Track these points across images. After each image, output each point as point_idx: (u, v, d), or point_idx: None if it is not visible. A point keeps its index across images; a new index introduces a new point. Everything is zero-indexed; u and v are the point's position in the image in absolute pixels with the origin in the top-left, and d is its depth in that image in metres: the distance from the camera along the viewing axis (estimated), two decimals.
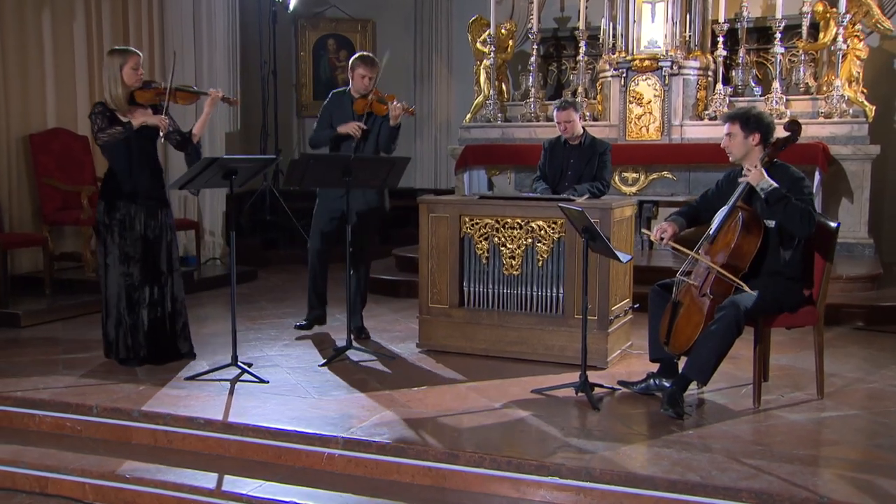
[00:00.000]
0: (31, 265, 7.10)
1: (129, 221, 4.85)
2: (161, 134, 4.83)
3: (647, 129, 8.09)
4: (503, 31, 8.88)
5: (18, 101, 7.04)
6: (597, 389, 4.34)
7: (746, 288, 3.99)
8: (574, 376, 4.43)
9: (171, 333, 5.01)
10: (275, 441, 3.85)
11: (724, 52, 8.05)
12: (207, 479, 3.67)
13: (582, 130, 6.03)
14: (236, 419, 4.00)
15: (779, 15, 7.80)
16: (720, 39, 8.00)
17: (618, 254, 4.17)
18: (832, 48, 7.74)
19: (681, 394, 4.04)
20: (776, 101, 7.80)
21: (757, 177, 4.02)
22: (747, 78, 8.28)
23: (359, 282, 5.66)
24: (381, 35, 10.91)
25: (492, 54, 8.78)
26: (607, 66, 8.30)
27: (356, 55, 5.65)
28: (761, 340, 4.18)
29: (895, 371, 4.84)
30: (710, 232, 4.18)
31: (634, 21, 8.07)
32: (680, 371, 4.17)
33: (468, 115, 9.03)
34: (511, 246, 5.04)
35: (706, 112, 8.07)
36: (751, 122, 4.14)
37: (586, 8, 8.44)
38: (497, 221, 5.06)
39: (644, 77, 8.06)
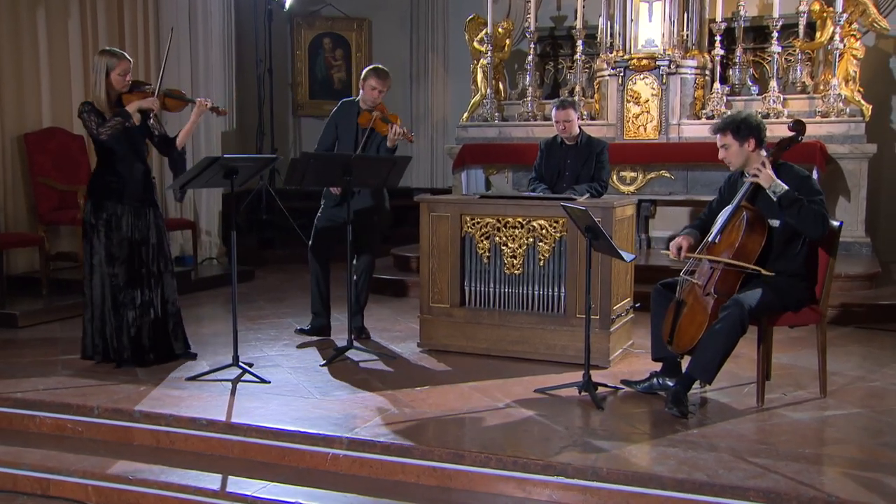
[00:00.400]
0: (28, 265, 7.06)
1: (115, 222, 4.81)
2: (151, 118, 4.79)
3: (645, 129, 8.09)
4: (500, 30, 8.87)
5: (14, 101, 6.99)
6: (600, 389, 4.34)
7: (764, 271, 3.98)
8: (576, 376, 4.43)
9: (162, 334, 4.97)
10: (278, 442, 3.83)
11: (722, 52, 8.05)
12: (211, 480, 3.65)
13: (579, 130, 6.03)
14: (239, 420, 3.98)
15: (776, 14, 7.81)
16: (717, 38, 8.00)
17: (622, 253, 4.16)
18: (829, 47, 7.75)
19: (685, 393, 4.04)
20: (773, 101, 7.81)
21: (768, 179, 4.02)
22: (744, 77, 8.29)
23: (360, 283, 5.63)
24: (377, 34, 10.90)
25: (489, 53, 8.77)
26: (605, 66, 8.29)
27: (370, 67, 5.57)
28: (764, 339, 4.18)
29: None
30: (714, 231, 4.18)
31: (632, 20, 8.06)
32: (684, 370, 4.17)
33: (465, 114, 9.01)
34: (512, 245, 5.03)
35: (703, 111, 8.07)
36: (742, 129, 4.12)
37: (583, 7, 8.44)
38: (498, 221, 5.05)
39: (641, 76, 8.06)
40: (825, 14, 7.75)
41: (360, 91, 5.53)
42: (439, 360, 5.07)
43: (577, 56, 8.59)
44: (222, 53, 8.76)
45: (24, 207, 7.07)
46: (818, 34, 7.90)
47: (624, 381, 4.47)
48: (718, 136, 4.19)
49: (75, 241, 7.02)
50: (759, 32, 8.36)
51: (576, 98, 8.24)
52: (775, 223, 4.06)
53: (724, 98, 7.99)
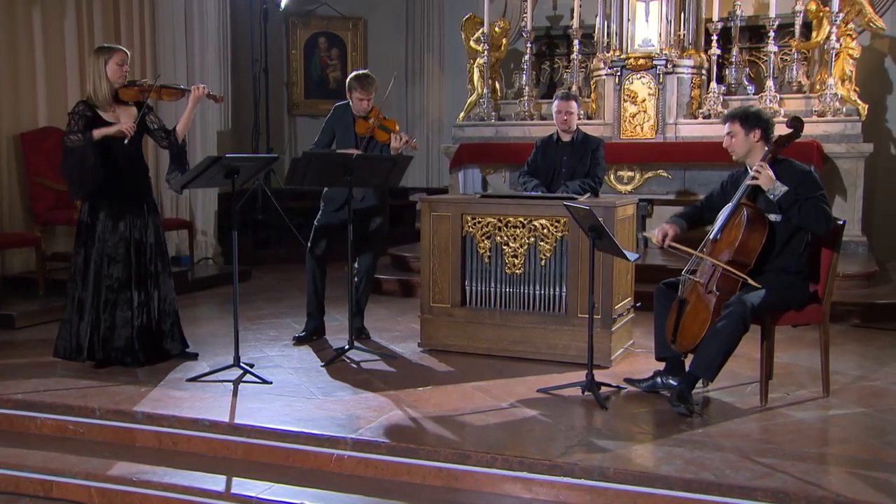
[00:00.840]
0: (23, 265, 7.02)
1: (112, 222, 4.79)
2: (126, 140, 4.68)
3: (642, 128, 8.10)
4: (497, 29, 8.85)
5: (9, 100, 6.95)
6: (603, 388, 4.34)
7: (753, 283, 4.00)
8: (577, 375, 4.43)
9: (157, 334, 4.94)
10: (282, 443, 3.82)
11: (718, 51, 8.07)
12: (216, 482, 3.63)
13: (576, 126, 6.05)
14: (242, 421, 3.96)
15: (772, 14, 7.83)
16: (714, 38, 8.02)
17: (625, 252, 4.16)
18: (825, 47, 7.76)
19: (689, 391, 4.05)
20: (770, 100, 7.82)
21: (767, 181, 4.03)
22: (741, 76, 8.31)
23: (361, 285, 5.61)
24: (373, 33, 10.88)
25: (485, 53, 8.75)
26: (601, 65, 8.29)
27: (352, 75, 5.41)
28: (767, 338, 4.18)
29: None
30: (715, 229, 4.19)
31: (628, 19, 8.06)
32: (687, 369, 4.17)
33: (462, 114, 8.99)
34: (513, 245, 5.02)
35: (700, 111, 8.09)
36: (750, 118, 4.16)
37: (580, 6, 8.44)
38: (499, 220, 5.04)
39: (638, 76, 8.06)
40: (821, 14, 7.77)
41: (349, 99, 5.42)
42: (440, 360, 5.06)
43: (573, 55, 8.59)
44: (218, 53, 8.72)
45: (20, 207, 7.03)
46: (814, 34, 7.92)
47: (627, 380, 4.47)
48: (727, 124, 4.22)
49: (71, 241, 6.96)
50: (755, 32, 8.39)
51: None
52: (776, 218, 4.07)
53: (721, 98, 8.00)
